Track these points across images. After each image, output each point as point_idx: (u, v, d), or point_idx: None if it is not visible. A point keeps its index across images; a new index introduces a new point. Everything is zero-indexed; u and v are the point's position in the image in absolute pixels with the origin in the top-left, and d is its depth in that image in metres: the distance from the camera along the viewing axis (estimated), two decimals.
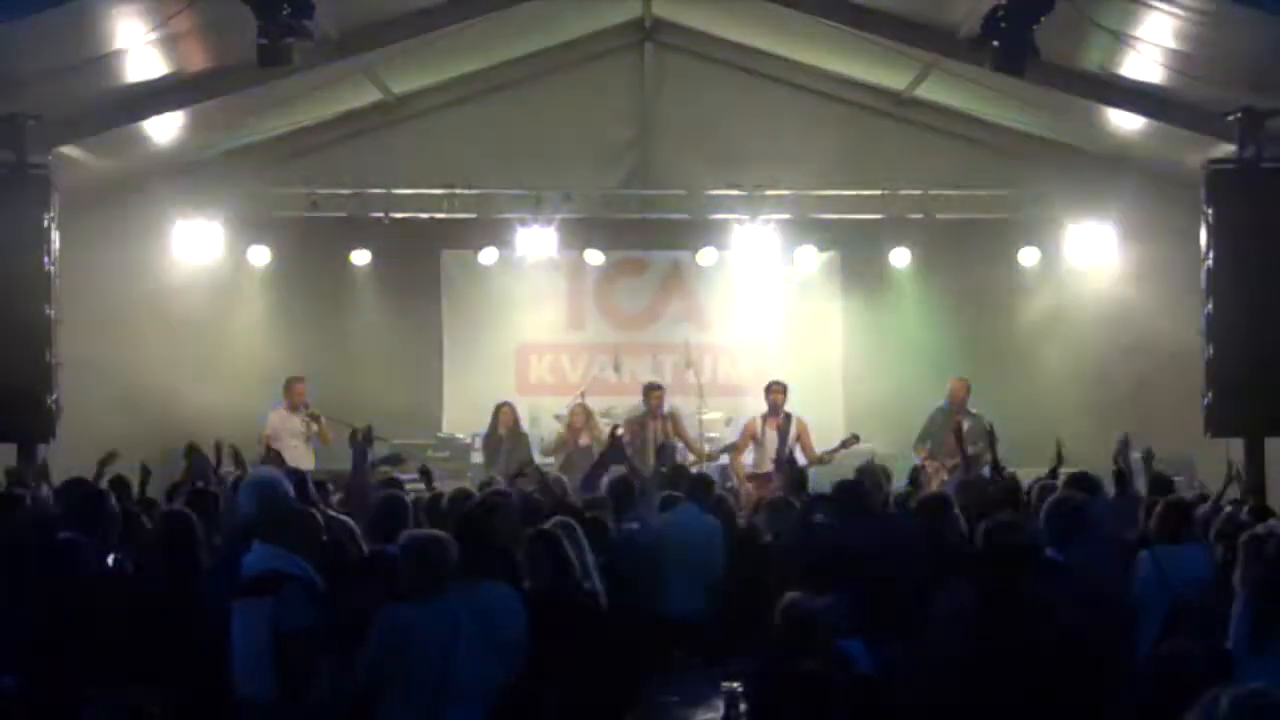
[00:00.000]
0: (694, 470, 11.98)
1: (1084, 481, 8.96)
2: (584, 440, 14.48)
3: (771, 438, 14.38)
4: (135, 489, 9.87)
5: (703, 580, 9.15)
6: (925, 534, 8.00)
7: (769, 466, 14.21)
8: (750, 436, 14.52)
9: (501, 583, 6.59)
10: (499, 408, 15.04)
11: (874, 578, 7.59)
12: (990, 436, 10.70)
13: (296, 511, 7.04)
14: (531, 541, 7.06)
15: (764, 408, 14.59)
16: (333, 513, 7.58)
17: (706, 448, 14.95)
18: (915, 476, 10.88)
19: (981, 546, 6.86)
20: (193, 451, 10.22)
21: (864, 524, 8.34)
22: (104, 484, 10.00)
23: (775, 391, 14.49)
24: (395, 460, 10.39)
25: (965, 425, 14.12)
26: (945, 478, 13.33)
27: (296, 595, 6.45)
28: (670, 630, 8.76)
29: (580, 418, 14.75)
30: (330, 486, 9.71)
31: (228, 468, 10.40)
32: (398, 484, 9.20)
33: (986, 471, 10.55)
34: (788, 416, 14.41)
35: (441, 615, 6.08)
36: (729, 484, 13.90)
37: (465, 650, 6.07)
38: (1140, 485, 10.18)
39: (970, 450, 12.37)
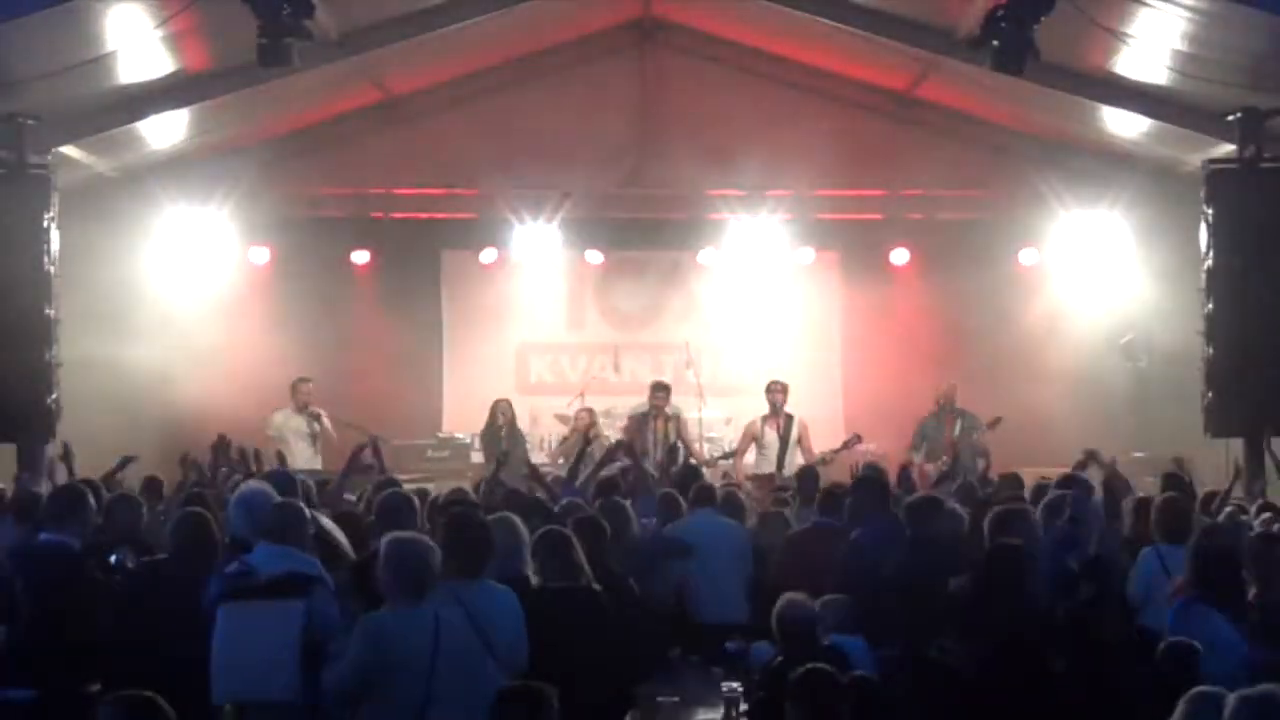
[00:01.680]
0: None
1: (1076, 483, 8.99)
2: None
3: (772, 438, 14.37)
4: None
5: (731, 584, 9.01)
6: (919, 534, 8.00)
7: (770, 468, 14.20)
8: (751, 438, 14.50)
9: (498, 583, 6.58)
10: (496, 403, 15.07)
11: (877, 577, 7.59)
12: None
13: (294, 508, 7.02)
14: (541, 540, 7.05)
15: (764, 408, 14.59)
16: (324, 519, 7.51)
17: (706, 449, 14.95)
18: (902, 477, 10.83)
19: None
20: (222, 444, 10.22)
21: (876, 524, 8.32)
22: (118, 480, 10.05)
23: (776, 391, 14.48)
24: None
25: (958, 425, 14.24)
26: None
27: (325, 596, 6.41)
28: (701, 633, 8.67)
29: (584, 420, 14.75)
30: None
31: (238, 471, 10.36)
32: (395, 483, 9.17)
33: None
34: (789, 417, 14.39)
35: (422, 622, 6.01)
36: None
37: (449, 656, 6.01)
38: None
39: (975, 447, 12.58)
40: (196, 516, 7.27)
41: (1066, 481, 9.00)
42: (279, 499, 7.32)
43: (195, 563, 6.95)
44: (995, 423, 14.05)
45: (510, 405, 15.09)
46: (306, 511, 7.03)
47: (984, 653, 6.22)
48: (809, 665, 5.60)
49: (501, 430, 14.77)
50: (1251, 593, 6.84)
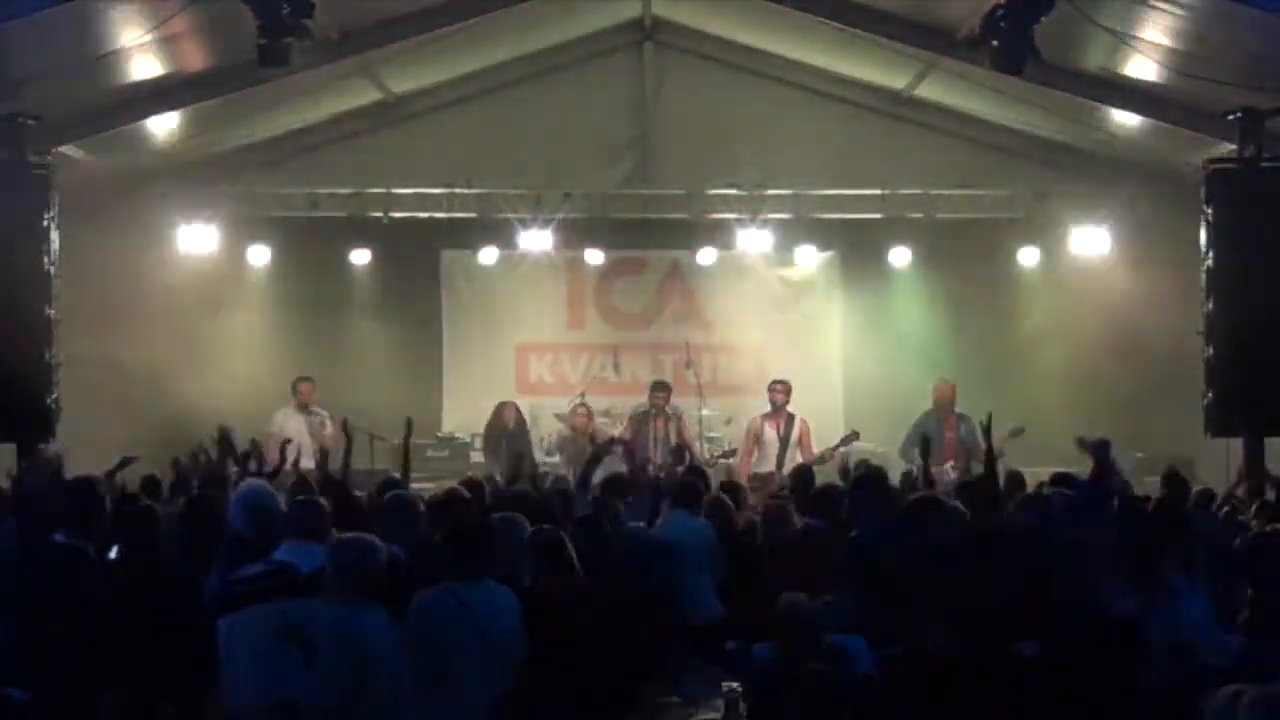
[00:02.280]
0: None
1: (1067, 481, 9.01)
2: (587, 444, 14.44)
3: (771, 437, 14.32)
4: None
5: (701, 584, 9.05)
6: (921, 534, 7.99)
7: (770, 467, 14.17)
8: (754, 437, 14.47)
9: (497, 582, 6.58)
10: (500, 405, 15.07)
11: (878, 576, 7.59)
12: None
13: (316, 505, 7.03)
14: (534, 540, 7.04)
15: (764, 407, 14.57)
16: None
17: (706, 449, 14.93)
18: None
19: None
20: (224, 436, 10.22)
21: (875, 523, 8.32)
22: (120, 481, 10.03)
23: (778, 390, 14.44)
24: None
25: (961, 428, 14.22)
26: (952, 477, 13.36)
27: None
28: (686, 635, 8.69)
29: (583, 419, 14.74)
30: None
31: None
32: (399, 484, 9.16)
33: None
34: (790, 417, 14.36)
35: (375, 621, 6.03)
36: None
37: (414, 657, 6.03)
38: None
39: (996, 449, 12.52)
40: (147, 512, 7.26)
41: (1062, 479, 9.03)
42: (300, 496, 7.35)
43: (146, 560, 6.94)
44: (1016, 433, 13.71)
45: (515, 407, 15.10)
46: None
47: (960, 639, 6.26)
48: (808, 666, 5.61)
49: (503, 433, 14.77)
50: (1249, 592, 6.86)
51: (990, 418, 9.28)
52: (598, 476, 10.10)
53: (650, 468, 12.99)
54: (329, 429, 14.36)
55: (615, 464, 11.24)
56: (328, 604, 6.13)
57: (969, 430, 14.16)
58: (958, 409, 14.44)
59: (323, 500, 7.32)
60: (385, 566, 6.16)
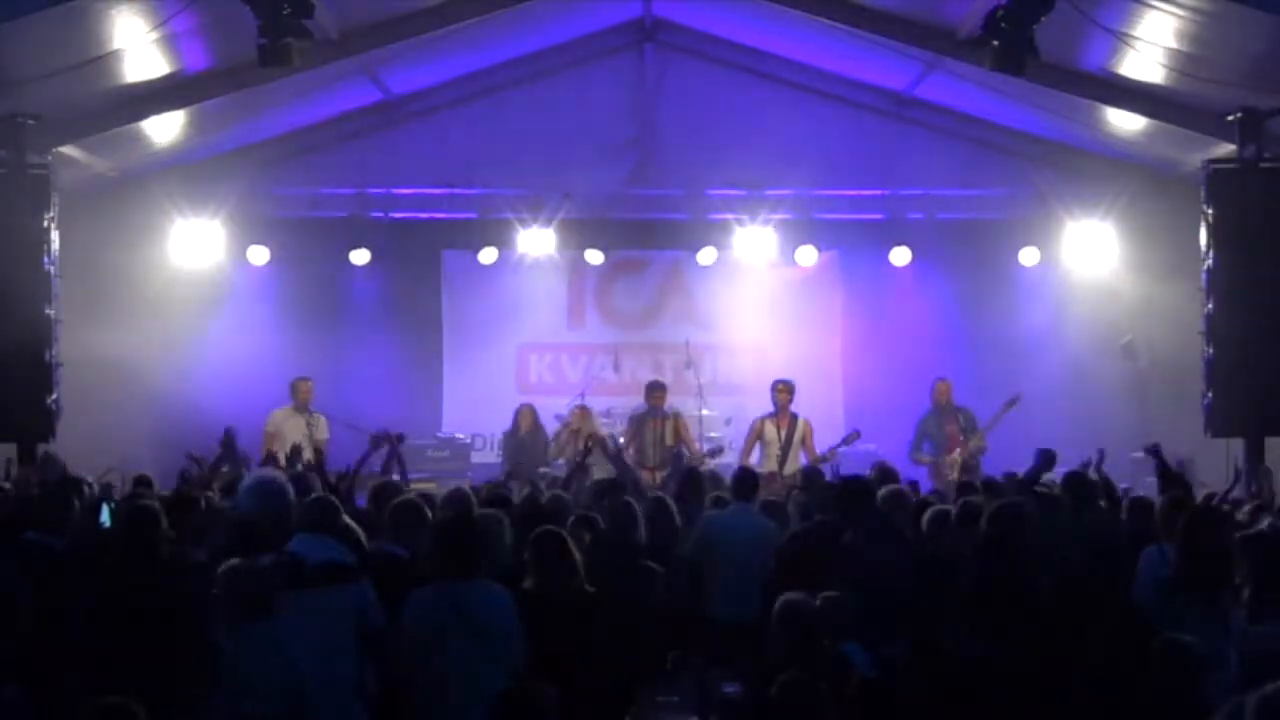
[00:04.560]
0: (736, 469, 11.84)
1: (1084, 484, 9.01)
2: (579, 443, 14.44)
3: (773, 436, 14.33)
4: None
5: (753, 583, 8.88)
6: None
7: (774, 466, 14.18)
8: (756, 436, 14.48)
9: (492, 581, 6.58)
10: (520, 409, 15.07)
11: (875, 578, 7.58)
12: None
13: (329, 501, 7.03)
14: (535, 542, 7.04)
15: (764, 407, 14.58)
16: None
17: (705, 449, 14.92)
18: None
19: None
20: (229, 437, 10.22)
21: (868, 524, 8.30)
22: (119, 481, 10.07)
23: (781, 390, 14.45)
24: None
25: (960, 419, 14.42)
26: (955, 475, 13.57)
27: (369, 585, 6.42)
28: (719, 632, 8.66)
29: (577, 419, 14.73)
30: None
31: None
32: (400, 489, 9.16)
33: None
34: (794, 417, 14.36)
35: (267, 637, 6.06)
36: None
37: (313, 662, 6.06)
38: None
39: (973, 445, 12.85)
40: (143, 509, 7.27)
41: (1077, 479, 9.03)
42: (316, 493, 7.37)
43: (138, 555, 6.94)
44: (1013, 402, 14.19)
45: (532, 410, 15.12)
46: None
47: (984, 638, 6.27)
48: (787, 675, 5.61)
49: (521, 437, 14.81)
50: (1246, 592, 6.86)
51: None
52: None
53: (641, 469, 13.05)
54: (323, 432, 14.37)
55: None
56: None
57: (968, 419, 14.42)
58: (955, 402, 14.78)
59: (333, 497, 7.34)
60: (270, 587, 6.14)
